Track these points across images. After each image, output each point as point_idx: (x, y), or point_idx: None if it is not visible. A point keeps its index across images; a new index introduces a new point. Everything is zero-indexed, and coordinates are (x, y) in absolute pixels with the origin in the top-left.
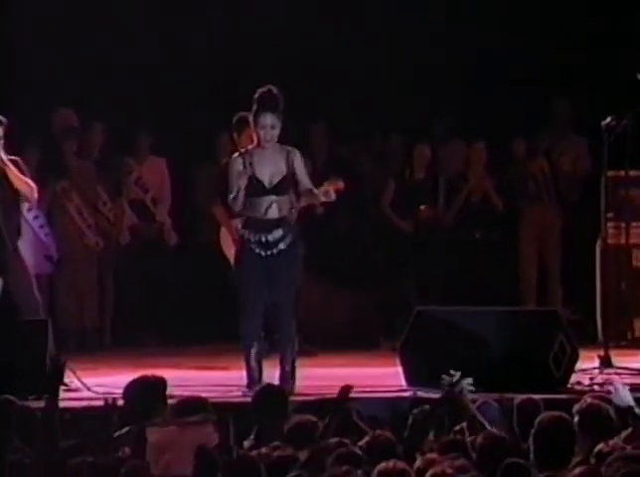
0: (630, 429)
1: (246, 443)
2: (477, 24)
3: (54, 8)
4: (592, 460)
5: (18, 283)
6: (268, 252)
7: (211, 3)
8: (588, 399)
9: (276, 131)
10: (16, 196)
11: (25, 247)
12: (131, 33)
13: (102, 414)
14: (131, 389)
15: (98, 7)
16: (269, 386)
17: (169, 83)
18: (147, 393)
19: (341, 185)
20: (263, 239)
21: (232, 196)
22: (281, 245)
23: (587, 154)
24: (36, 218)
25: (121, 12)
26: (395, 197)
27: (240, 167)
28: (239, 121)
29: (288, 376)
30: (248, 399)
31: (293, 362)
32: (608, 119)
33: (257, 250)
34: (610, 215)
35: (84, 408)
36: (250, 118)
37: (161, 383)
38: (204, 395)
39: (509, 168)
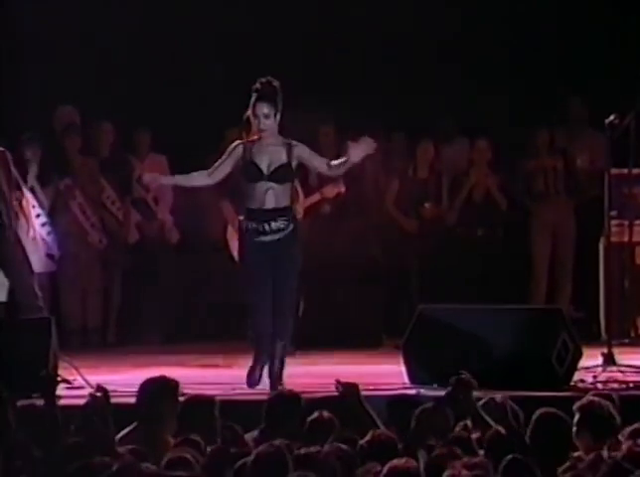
0: (634, 426)
1: (248, 436)
2: (484, 23)
3: (56, 6)
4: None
5: (19, 279)
6: (270, 238)
7: (214, 2)
8: (589, 397)
9: (271, 121)
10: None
11: (27, 246)
12: (132, 30)
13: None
14: (145, 388)
15: (100, 6)
16: (284, 392)
17: (169, 80)
18: (159, 393)
19: (342, 188)
20: (267, 228)
21: (213, 167)
22: (281, 235)
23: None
24: (38, 216)
25: (121, 11)
26: (398, 195)
27: (240, 152)
28: (248, 120)
29: (277, 373)
30: (252, 398)
31: (283, 360)
32: (611, 117)
33: (260, 238)
34: (613, 213)
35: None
36: (249, 109)
37: (173, 384)
38: (208, 393)
39: (521, 162)
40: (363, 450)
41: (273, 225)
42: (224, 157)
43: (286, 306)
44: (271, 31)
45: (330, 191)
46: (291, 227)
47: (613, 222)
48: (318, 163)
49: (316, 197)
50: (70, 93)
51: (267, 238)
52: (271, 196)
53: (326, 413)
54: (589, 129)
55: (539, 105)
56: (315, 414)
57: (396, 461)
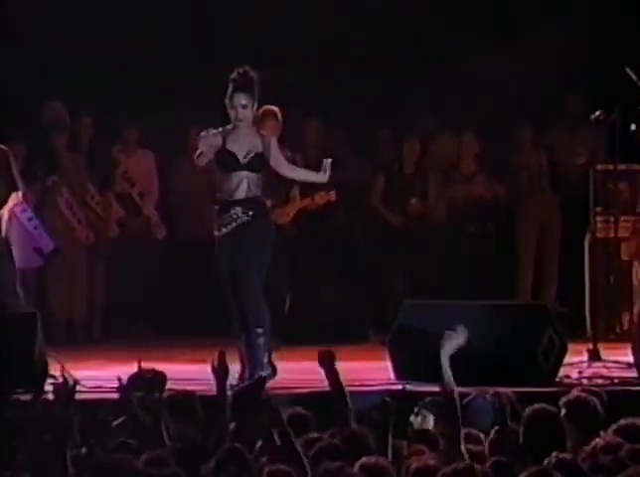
0: (620, 422)
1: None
2: (474, 21)
3: (52, 5)
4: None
5: (4, 275)
6: (232, 227)
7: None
8: (575, 392)
9: (248, 111)
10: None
11: (13, 241)
12: (120, 26)
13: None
14: (131, 382)
15: (89, 3)
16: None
17: (158, 76)
18: (145, 386)
19: (333, 196)
20: (232, 218)
21: (198, 152)
22: (240, 220)
23: (605, 147)
24: (24, 211)
25: (111, 7)
26: (384, 191)
27: (219, 140)
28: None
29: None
30: None
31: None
32: (597, 113)
33: (223, 230)
34: (599, 208)
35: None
36: (226, 99)
37: (161, 377)
38: (195, 388)
39: (509, 158)
40: (335, 447)
41: (240, 213)
42: (200, 144)
43: (253, 294)
44: (260, 29)
45: (321, 198)
46: (256, 215)
47: (599, 218)
48: (278, 161)
49: (307, 201)
50: (57, 90)
51: (229, 228)
52: (244, 185)
53: (302, 410)
54: (588, 126)
55: (525, 103)
56: (292, 410)
57: (366, 459)
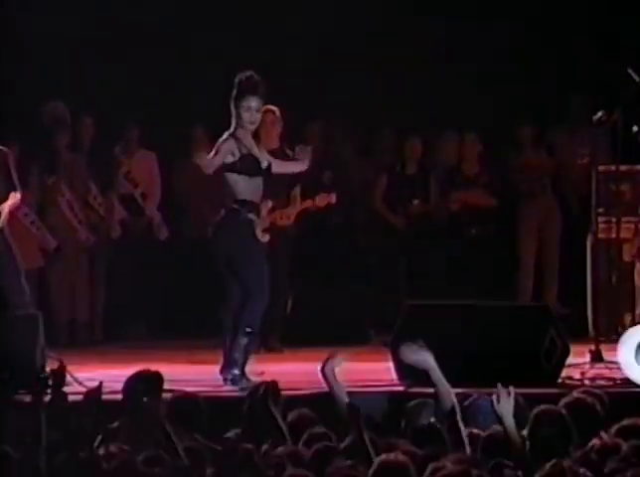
0: (622, 423)
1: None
2: (474, 21)
3: (51, 4)
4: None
5: (9, 279)
6: (244, 231)
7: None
8: (575, 394)
9: (260, 114)
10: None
11: (15, 243)
12: (121, 26)
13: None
14: (129, 383)
15: (89, 3)
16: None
17: (159, 76)
18: (144, 387)
19: (333, 199)
20: (242, 223)
21: (211, 156)
22: (254, 224)
23: (607, 148)
24: (26, 215)
25: (112, 7)
26: (386, 192)
27: (234, 146)
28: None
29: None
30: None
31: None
32: (599, 114)
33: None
34: (601, 209)
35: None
36: (231, 102)
37: (158, 378)
38: (195, 389)
39: (509, 158)
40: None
41: (253, 216)
42: (220, 151)
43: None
44: (260, 30)
45: (322, 200)
46: (260, 217)
47: (601, 218)
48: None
49: (308, 203)
50: (58, 90)
51: (246, 231)
52: (260, 190)
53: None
54: (590, 127)
55: (525, 103)
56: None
57: (385, 456)
